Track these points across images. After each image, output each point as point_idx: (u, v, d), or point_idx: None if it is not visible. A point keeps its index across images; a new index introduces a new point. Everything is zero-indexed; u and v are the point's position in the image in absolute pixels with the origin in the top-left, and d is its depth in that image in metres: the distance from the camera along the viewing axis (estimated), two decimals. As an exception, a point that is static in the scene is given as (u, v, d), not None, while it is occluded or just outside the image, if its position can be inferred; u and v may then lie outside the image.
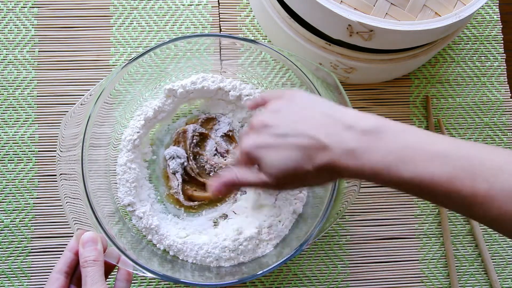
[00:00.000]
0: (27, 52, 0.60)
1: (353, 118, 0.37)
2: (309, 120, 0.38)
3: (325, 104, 0.40)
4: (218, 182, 0.41)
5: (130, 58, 0.54)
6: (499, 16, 0.65)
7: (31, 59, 0.60)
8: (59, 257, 0.55)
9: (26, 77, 0.60)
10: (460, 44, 0.65)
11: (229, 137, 0.58)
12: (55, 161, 0.57)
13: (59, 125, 0.55)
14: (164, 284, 0.56)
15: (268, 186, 0.39)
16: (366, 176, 0.36)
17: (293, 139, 0.37)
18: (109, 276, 0.44)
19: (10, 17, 0.61)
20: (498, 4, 0.66)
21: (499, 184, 0.32)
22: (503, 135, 0.63)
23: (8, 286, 0.55)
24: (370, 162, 0.35)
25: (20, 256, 0.55)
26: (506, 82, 0.64)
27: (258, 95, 0.47)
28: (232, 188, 0.42)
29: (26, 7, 0.61)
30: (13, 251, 0.56)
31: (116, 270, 0.45)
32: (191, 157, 0.56)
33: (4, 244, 0.56)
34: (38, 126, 0.59)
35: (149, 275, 0.43)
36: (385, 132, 0.36)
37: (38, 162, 0.58)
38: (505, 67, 0.64)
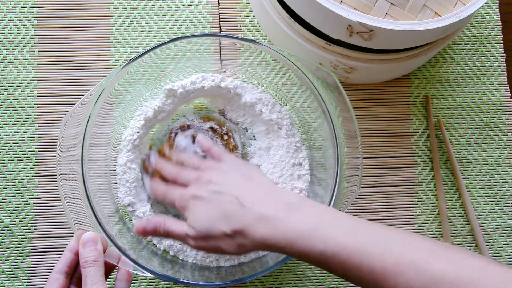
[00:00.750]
0: (27, 52, 0.60)
1: (279, 192, 0.40)
2: (244, 187, 0.41)
3: (265, 179, 0.43)
4: (146, 221, 0.43)
5: (130, 58, 0.54)
6: (499, 16, 0.65)
7: (31, 59, 0.60)
8: (59, 257, 0.55)
9: (26, 77, 0.60)
10: (460, 44, 0.65)
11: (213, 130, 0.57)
12: (55, 161, 0.57)
13: (59, 125, 0.55)
14: (164, 284, 0.56)
15: (188, 240, 0.41)
16: (280, 246, 0.37)
17: (223, 198, 0.40)
18: (109, 276, 0.44)
19: (10, 17, 0.61)
20: (498, 4, 0.66)
21: (406, 260, 0.32)
22: (503, 135, 0.63)
23: (8, 286, 0.55)
24: (283, 231, 0.36)
25: (20, 256, 0.55)
26: (506, 82, 0.64)
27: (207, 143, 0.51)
28: (155, 231, 0.43)
29: (26, 7, 0.61)
30: (13, 251, 0.56)
31: (116, 270, 0.45)
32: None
33: (4, 244, 0.56)
34: (38, 126, 0.59)
35: (149, 275, 0.43)
36: (302, 207, 0.38)
37: (38, 162, 0.58)
38: (505, 67, 0.64)
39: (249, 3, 0.63)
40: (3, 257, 0.55)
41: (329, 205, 0.46)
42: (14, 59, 0.60)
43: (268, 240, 0.37)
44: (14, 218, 0.56)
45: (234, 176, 0.43)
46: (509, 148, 0.62)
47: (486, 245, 0.59)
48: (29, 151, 0.58)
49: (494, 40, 0.65)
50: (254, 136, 0.59)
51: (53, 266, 0.55)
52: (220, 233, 0.39)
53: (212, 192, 0.41)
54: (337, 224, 0.36)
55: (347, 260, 0.34)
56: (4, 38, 0.60)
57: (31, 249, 0.56)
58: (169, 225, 0.42)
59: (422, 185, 0.61)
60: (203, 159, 0.48)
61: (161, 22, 0.62)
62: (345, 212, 0.57)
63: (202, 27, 0.62)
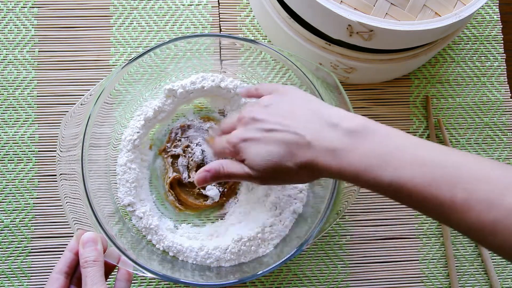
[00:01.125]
0: (27, 52, 0.60)
1: (339, 118, 0.38)
2: (297, 118, 0.39)
3: (315, 102, 0.40)
4: (204, 170, 0.42)
5: (130, 58, 0.54)
6: (499, 16, 0.65)
7: (31, 59, 0.60)
8: (59, 257, 0.55)
9: (26, 77, 0.60)
10: (460, 44, 0.65)
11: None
12: (55, 161, 0.57)
13: (59, 125, 0.55)
14: (164, 284, 0.56)
15: (252, 179, 0.40)
16: (347, 177, 0.36)
17: (279, 134, 0.38)
18: (109, 276, 0.44)
19: (10, 17, 0.61)
20: (498, 4, 0.66)
21: (477, 194, 0.32)
22: (503, 135, 0.63)
23: (8, 286, 0.55)
24: (350, 162, 0.35)
25: (20, 256, 0.56)
26: (506, 82, 0.64)
27: (252, 85, 0.48)
28: (217, 178, 0.42)
29: (26, 7, 0.61)
30: (13, 251, 0.56)
31: (116, 270, 0.45)
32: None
33: (4, 244, 0.56)
34: (38, 126, 0.59)
35: (149, 275, 0.43)
36: (368, 134, 0.36)
37: (38, 162, 0.58)
38: (505, 67, 0.64)
39: (249, 3, 0.63)
40: (3, 257, 0.55)
41: (328, 205, 0.46)
42: (14, 59, 0.60)
43: (336, 171, 0.36)
44: (14, 218, 0.56)
45: (280, 108, 0.40)
46: (509, 148, 0.62)
47: (486, 245, 0.59)
48: (29, 151, 0.58)
49: (494, 40, 0.65)
50: None
51: (53, 266, 0.55)
52: (285, 169, 0.38)
53: (263, 130, 0.39)
54: (404, 153, 0.34)
55: (415, 192, 0.33)
56: (4, 38, 0.60)
57: (31, 249, 0.56)
58: (229, 168, 0.41)
59: (422, 185, 0.61)
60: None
61: (161, 22, 0.62)
62: (344, 213, 0.58)
63: (202, 27, 0.62)
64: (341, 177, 0.36)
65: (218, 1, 0.63)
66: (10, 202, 0.57)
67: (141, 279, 0.56)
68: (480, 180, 0.32)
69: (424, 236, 0.59)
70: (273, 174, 0.39)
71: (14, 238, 0.56)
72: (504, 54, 0.65)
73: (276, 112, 0.40)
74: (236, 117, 0.43)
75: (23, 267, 0.55)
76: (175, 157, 0.56)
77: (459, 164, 0.33)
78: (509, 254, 0.32)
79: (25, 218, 0.56)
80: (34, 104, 0.59)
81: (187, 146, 0.56)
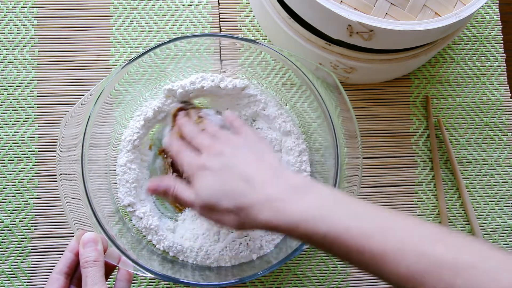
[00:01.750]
0: (27, 52, 0.60)
1: (287, 175, 0.40)
2: (254, 165, 0.41)
3: (275, 160, 0.43)
4: (158, 181, 0.44)
5: (130, 58, 0.54)
6: (499, 16, 0.65)
7: (31, 59, 0.60)
8: (59, 257, 0.55)
9: (26, 77, 0.60)
10: (460, 44, 0.65)
11: None
12: (55, 161, 0.57)
13: (59, 125, 0.55)
14: (164, 284, 0.56)
15: (194, 207, 0.41)
16: (282, 228, 0.37)
17: (232, 174, 0.40)
18: (110, 276, 0.44)
19: (10, 17, 0.61)
20: (498, 4, 0.66)
21: (408, 245, 0.32)
22: (503, 135, 0.63)
23: (8, 286, 0.55)
24: (287, 214, 0.36)
25: (20, 256, 0.56)
26: (506, 82, 0.64)
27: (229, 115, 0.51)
28: (164, 194, 0.44)
29: (26, 7, 0.61)
30: (13, 251, 0.56)
31: (117, 270, 0.45)
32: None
33: (4, 244, 0.56)
34: (38, 126, 0.59)
35: (149, 275, 0.43)
36: (308, 190, 0.38)
37: (38, 162, 0.58)
38: (505, 67, 0.64)
39: (249, 3, 0.63)
40: (3, 257, 0.55)
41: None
42: (14, 59, 0.60)
43: (272, 221, 0.37)
44: (14, 218, 0.56)
45: (246, 153, 0.42)
46: (509, 148, 0.62)
47: (486, 245, 0.59)
48: (29, 151, 0.58)
49: (494, 40, 0.65)
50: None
51: (53, 266, 0.55)
52: (223, 208, 0.39)
53: (222, 164, 0.41)
54: (341, 208, 0.36)
55: (349, 244, 0.34)
56: (4, 38, 0.60)
57: (31, 249, 0.56)
58: (179, 190, 0.42)
59: (422, 185, 0.61)
60: (221, 129, 0.48)
61: (161, 22, 0.62)
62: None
63: (202, 27, 0.62)
64: (277, 229, 0.37)
65: (218, 1, 0.63)
66: (10, 202, 0.57)
67: (141, 279, 0.56)
68: (412, 231, 0.34)
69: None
70: (210, 207, 0.40)
71: (14, 238, 0.56)
72: (504, 54, 0.65)
73: (243, 155, 0.42)
74: (205, 126, 0.47)
75: (23, 267, 0.55)
76: None
77: (392, 219, 0.35)
78: None
79: (25, 218, 0.56)
80: (34, 104, 0.59)
81: None
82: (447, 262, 0.31)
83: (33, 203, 0.57)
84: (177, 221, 0.55)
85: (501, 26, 0.65)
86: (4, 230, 0.56)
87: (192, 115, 0.53)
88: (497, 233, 0.60)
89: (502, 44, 0.65)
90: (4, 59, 0.60)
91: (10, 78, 0.59)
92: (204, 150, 0.43)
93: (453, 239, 0.33)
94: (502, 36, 0.65)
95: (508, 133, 0.63)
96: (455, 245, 0.32)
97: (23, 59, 0.60)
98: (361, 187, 0.60)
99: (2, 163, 0.57)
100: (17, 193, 0.57)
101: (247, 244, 0.52)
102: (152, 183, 0.44)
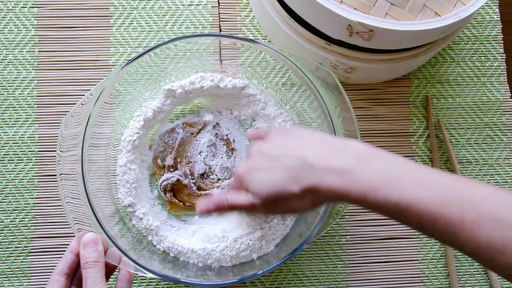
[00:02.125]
0: (27, 52, 0.60)
1: (344, 144, 0.38)
2: (301, 146, 0.39)
3: (320, 133, 0.41)
4: (208, 201, 0.42)
5: (130, 58, 0.54)
6: (499, 16, 0.65)
7: (31, 59, 0.60)
8: (59, 257, 0.55)
9: (26, 77, 0.60)
10: (460, 44, 0.65)
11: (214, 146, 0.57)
12: (55, 161, 0.57)
13: (59, 125, 0.55)
14: (164, 284, 0.56)
15: (256, 208, 0.40)
16: (352, 198, 0.36)
17: (283, 161, 0.39)
18: (110, 277, 0.44)
19: (10, 17, 0.61)
20: (498, 4, 0.66)
21: (486, 213, 0.32)
22: (503, 135, 0.63)
23: (8, 286, 0.55)
24: (356, 183, 0.35)
25: (20, 256, 0.55)
26: (506, 82, 0.64)
27: (261, 128, 0.49)
28: (219, 210, 0.42)
29: (26, 7, 0.61)
30: (13, 251, 0.56)
31: (117, 271, 0.45)
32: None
33: (4, 244, 0.56)
34: (38, 126, 0.59)
35: (150, 275, 0.43)
36: (373, 157, 0.37)
37: (38, 162, 0.58)
38: (505, 67, 0.64)
39: (249, 3, 0.63)
40: (3, 257, 0.55)
41: (328, 206, 0.46)
42: (14, 59, 0.60)
43: (341, 193, 0.36)
44: (14, 218, 0.56)
45: (288, 139, 0.41)
46: (509, 148, 0.62)
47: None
48: (29, 151, 0.58)
49: (494, 40, 0.65)
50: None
51: (53, 266, 0.55)
52: (289, 194, 0.37)
53: (267, 159, 0.39)
54: (411, 175, 0.35)
55: (422, 212, 0.33)
56: (4, 38, 0.60)
57: (31, 249, 0.56)
58: (233, 199, 0.41)
59: (422, 185, 0.61)
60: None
61: (161, 22, 0.62)
62: (344, 213, 0.58)
63: (202, 27, 0.62)
64: (347, 199, 0.36)
65: (218, 1, 0.63)
66: (10, 202, 0.57)
67: (141, 279, 0.56)
68: (487, 200, 0.32)
69: (424, 236, 0.59)
70: (276, 201, 0.39)
71: (14, 238, 0.56)
72: (504, 54, 0.65)
73: (281, 144, 0.41)
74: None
75: (23, 267, 0.55)
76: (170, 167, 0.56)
77: (463, 185, 0.34)
78: None
79: (25, 218, 0.56)
80: (34, 104, 0.59)
81: (176, 158, 0.56)
82: None
83: (33, 203, 0.57)
84: (177, 221, 0.56)
85: (501, 26, 0.65)
86: (4, 230, 0.56)
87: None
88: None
89: (502, 44, 0.65)
90: (4, 59, 0.60)
91: (10, 78, 0.59)
92: (245, 160, 0.42)
93: None
94: (502, 36, 0.65)
95: (508, 133, 0.63)
96: None
97: (23, 59, 0.60)
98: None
99: (2, 163, 0.57)
100: (17, 193, 0.57)
101: (248, 244, 0.51)
102: (202, 205, 0.43)
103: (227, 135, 0.58)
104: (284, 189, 0.38)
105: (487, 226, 0.31)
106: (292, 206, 0.39)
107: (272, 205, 0.39)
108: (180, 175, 0.55)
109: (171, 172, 0.55)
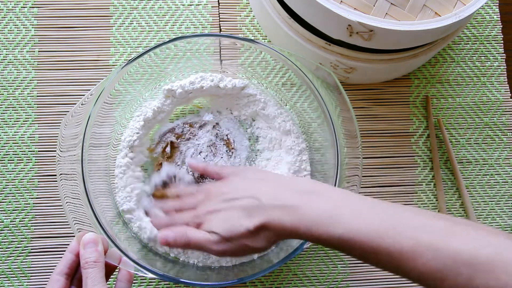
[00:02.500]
0: (27, 52, 0.60)
1: (292, 181, 0.42)
2: (254, 187, 0.42)
3: (272, 174, 0.45)
4: (165, 234, 0.43)
5: (130, 58, 0.54)
6: (499, 16, 0.65)
7: (31, 59, 0.60)
8: (59, 257, 0.55)
9: (26, 77, 0.60)
10: (460, 44, 0.65)
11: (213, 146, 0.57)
12: (55, 161, 0.57)
13: (59, 125, 0.55)
14: (164, 284, 0.56)
15: (211, 246, 0.41)
16: (301, 233, 0.37)
17: (238, 202, 0.41)
18: (110, 277, 0.44)
19: (10, 17, 0.61)
20: (498, 4, 0.66)
21: (423, 241, 0.33)
22: (503, 135, 0.63)
23: (8, 286, 0.55)
24: (302, 218, 0.37)
25: (20, 256, 0.55)
26: (506, 82, 0.64)
27: (212, 166, 0.52)
28: (175, 244, 0.43)
29: (26, 7, 0.61)
30: (13, 251, 0.56)
31: (117, 271, 0.45)
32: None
33: (4, 244, 0.56)
34: (38, 126, 0.59)
35: (150, 275, 0.43)
36: (318, 192, 0.39)
37: (38, 162, 0.58)
38: (505, 67, 0.64)
39: (249, 3, 0.63)
40: (3, 257, 0.55)
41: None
42: (14, 59, 0.60)
43: (290, 228, 0.37)
44: (14, 218, 0.56)
45: (243, 181, 0.44)
46: (509, 148, 0.62)
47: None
48: (29, 151, 0.58)
49: (494, 40, 0.65)
50: (257, 137, 0.58)
51: (53, 266, 0.55)
52: (244, 231, 0.39)
53: (227, 200, 0.42)
54: (353, 208, 0.36)
55: (364, 244, 0.34)
56: (4, 38, 0.60)
57: (31, 249, 0.56)
58: (194, 235, 0.42)
59: (422, 185, 0.61)
60: (201, 185, 0.49)
61: (161, 22, 0.62)
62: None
63: (202, 27, 0.62)
64: (296, 234, 0.38)
65: (218, 1, 0.63)
66: (10, 202, 0.57)
67: (141, 279, 0.56)
68: (424, 228, 0.34)
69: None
70: (230, 237, 0.40)
71: (14, 238, 0.56)
72: (504, 54, 0.65)
73: (237, 186, 0.44)
74: (198, 191, 0.47)
75: (23, 267, 0.55)
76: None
77: (402, 215, 0.35)
78: None
79: (25, 218, 0.56)
80: (34, 104, 0.59)
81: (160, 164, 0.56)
82: (465, 257, 0.31)
83: (33, 203, 0.57)
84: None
85: (501, 26, 0.65)
86: (4, 230, 0.56)
87: (168, 193, 0.52)
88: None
89: (502, 44, 0.65)
90: (4, 59, 0.60)
91: (10, 78, 0.59)
92: (201, 203, 0.45)
93: (470, 233, 0.33)
94: (502, 36, 0.65)
95: (508, 133, 0.63)
96: (472, 239, 0.32)
97: (23, 59, 0.60)
98: (361, 187, 0.60)
99: (2, 163, 0.57)
100: (17, 193, 0.57)
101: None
102: (162, 235, 0.43)
103: (227, 135, 0.58)
104: (238, 227, 0.40)
105: (426, 255, 0.32)
106: (246, 244, 0.40)
107: (227, 243, 0.41)
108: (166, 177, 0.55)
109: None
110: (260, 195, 0.40)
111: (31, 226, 0.56)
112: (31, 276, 0.55)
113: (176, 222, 0.45)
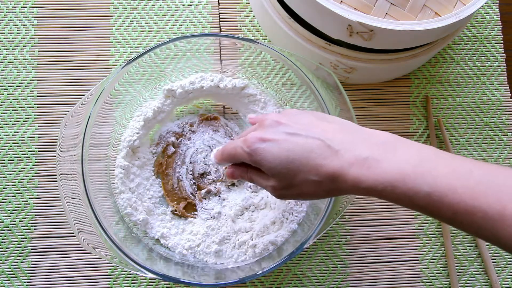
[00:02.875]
0: (27, 52, 0.60)
1: (368, 132, 0.35)
2: (323, 127, 0.35)
3: (341, 119, 0.38)
4: (235, 171, 0.41)
5: (130, 58, 0.54)
6: (499, 16, 0.65)
7: (31, 59, 0.60)
8: (59, 257, 0.55)
9: (26, 77, 0.60)
10: (460, 44, 0.65)
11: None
12: (55, 161, 0.57)
13: (59, 125, 0.55)
14: (164, 284, 0.56)
15: (270, 190, 0.38)
16: (379, 190, 0.32)
17: (302, 139, 0.35)
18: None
19: (10, 17, 0.61)
20: (498, 4, 0.66)
21: None
22: (503, 135, 0.63)
23: (8, 286, 0.55)
24: (384, 172, 0.32)
25: (20, 256, 0.55)
26: (506, 82, 0.64)
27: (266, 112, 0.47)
28: (242, 178, 0.41)
29: (26, 7, 0.61)
30: (13, 251, 0.56)
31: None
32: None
33: (4, 244, 0.56)
34: (38, 126, 0.59)
35: (150, 275, 0.43)
36: (400, 145, 0.33)
37: (38, 162, 0.58)
38: (505, 67, 0.64)
39: (249, 3, 0.63)
40: (3, 257, 0.55)
41: (328, 206, 0.46)
42: (14, 59, 0.60)
43: (365, 183, 0.32)
44: (14, 218, 0.56)
45: (306, 117, 0.37)
46: (509, 148, 0.62)
47: (486, 245, 0.59)
48: (29, 151, 0.58)
49: (494, 40, 0.65)
50: None
51: (53, 266, 0.55)
52: (306, 181, 0.34)
53: (285, 133, 0.35)
54: (443, 164, 0.31)
55: (457, 205, 0.30)
56: (4, 38, 0.60)
57: (31, 249, 0.56)
58: (252, 174, 0.39)
59: (422, 185, 0.61)
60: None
61: (161, 22, 0.62)
62: (344, 213, 0.58)
63: (202, 27, 0.62)
64: (372, 191, 0.33)
65: (218, 1, 0.63)
66: (10, 202, 0.57)
67: (141, 279, 0.56)
68: None
69: (424, 236, 0.59)
70: (290, 185, 0.35)
71: (14, 238, 0.56)
72: (504, 54, 0.65)
73: (301, 120, 0.36)
74: (253, 126, 0.40)
75: (23, 267, 0.55)
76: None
77: (504, 175, 0.30)
78: None
79: (25, 218, 0.56)
80: (34, 104, 0.59)
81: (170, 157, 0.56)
82: None
83: (33, 203, 0.57)
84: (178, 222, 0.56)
85: (501, 26, 0.65)
86: (4, 230, 0.56)
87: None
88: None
89: (502, 44, 0.65)
90: (4, 59, 0.60)
91: (10, 78, 0.59)
92: (255, 128, 0.38)
93: None
94: (502, 36, 0.65)
95: (508, 133, 0.63)
96: None
97: (23, 59, 0.60)
98: (361, 187, 0.60)
99: (2, 163, 0.57)
100: (17, 193, 0.57)
101: (248, 243, 0.51)
102: (228, 172, 0.41)
103: (228, 135, 0.58)
104: (300, 174, 0.34)
105: None
106: (308, 192, 0.35)
107: (284, 190, 0.36)
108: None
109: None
110: (330, 138, 0.34)
111: (31, 226, 0.56)
112: (31, 276, 0.55)
113: (226, 148, 0.41)
